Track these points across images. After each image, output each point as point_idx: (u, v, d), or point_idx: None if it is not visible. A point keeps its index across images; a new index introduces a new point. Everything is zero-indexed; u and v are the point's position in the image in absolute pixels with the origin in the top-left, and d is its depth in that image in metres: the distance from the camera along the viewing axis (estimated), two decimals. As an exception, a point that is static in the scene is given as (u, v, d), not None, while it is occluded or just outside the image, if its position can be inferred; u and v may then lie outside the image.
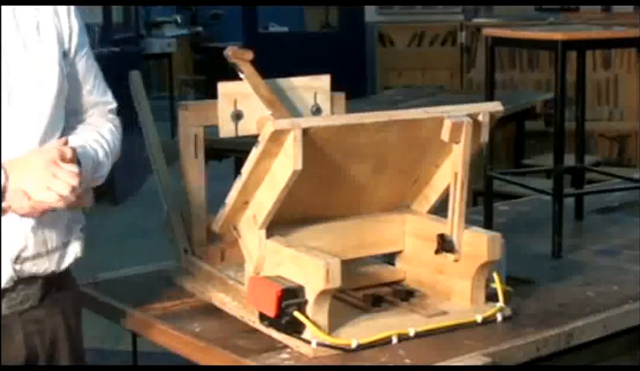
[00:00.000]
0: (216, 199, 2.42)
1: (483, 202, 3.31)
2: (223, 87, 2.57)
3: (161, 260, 2.76)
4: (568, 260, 2.90)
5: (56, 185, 1.91)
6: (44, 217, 1.98)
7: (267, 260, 2.25)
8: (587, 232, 3.26)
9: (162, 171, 2.62)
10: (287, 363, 2.12)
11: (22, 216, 1.94)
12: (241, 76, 2.58)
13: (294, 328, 2.16)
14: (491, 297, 2.36)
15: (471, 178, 2.34)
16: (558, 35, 2.99)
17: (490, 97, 3.12)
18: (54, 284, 2.12)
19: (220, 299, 2.43)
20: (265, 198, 2.21)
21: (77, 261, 2.14)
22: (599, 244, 3.07)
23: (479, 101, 2.49)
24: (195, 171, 2.55)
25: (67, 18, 2.14)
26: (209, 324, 2.34)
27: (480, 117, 2.32)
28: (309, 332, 2.14)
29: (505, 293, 2.37)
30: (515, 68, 8.31)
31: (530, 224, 3.28)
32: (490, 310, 2.33)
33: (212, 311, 2.41)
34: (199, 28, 12.92)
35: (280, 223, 2.26)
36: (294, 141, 2.09)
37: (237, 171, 2.25)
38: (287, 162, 2.12)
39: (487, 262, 2.31)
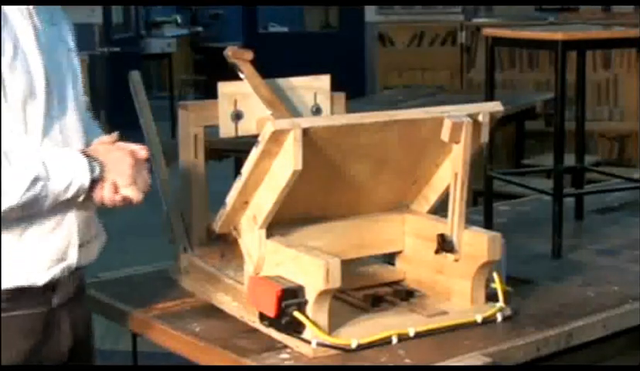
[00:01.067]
0: (216, 199, 2.42)
1: (483, 202, 3.31)
2: (223, 87, 2.57)
3: (161, 260, 2.76)
4: (568, 260, 2.90)
5: (141, 182, 2.07)
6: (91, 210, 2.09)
7: (267, 260, 2.25)
8: (587, 232, 3.26)
9: (162, 171, 2.62)
10: (287, 363, 2.12)
11: (104, 205, 2.06)
12: (241, 76, 2.58)
13: (294, 328, 2.16)
14: (491, 297, 2.36)
15: (471, 178, 2.34)
16: (558, 35, 2.99)
17: (490, 97, 3.12)
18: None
19: (220, 299, 2.43)
20: (265, 198, 2.21)
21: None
22: (599, 244, 3.07)
23: (479, 101, 2.49)
24: (195, 171, 2.55)
25: (66, 18, 2.20)
26: (209, 324, 2.34)
27: (480, 117, 2.32)
28: (309, 332, 2.14)
29: (505, 293, 2.37)
30: (515, 68, 8.31)
31: (530, 224, 3.28)
32: (490, 310, 2.33)
33: (212, 311, 2.41)
34: (199, 28, 12.93)
35: (280, 223, 2.26)
36: (294, 141, 2.09)
37: (237, 171, 2.25)
38: (287, 162, 2.12)
39: (487, 262, 2.31)
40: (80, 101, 2.13)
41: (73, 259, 2.07)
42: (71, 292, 2.13)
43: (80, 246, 2.08)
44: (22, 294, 2.02)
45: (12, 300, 2.01)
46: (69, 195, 1.98)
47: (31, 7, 2.02)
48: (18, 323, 2.03)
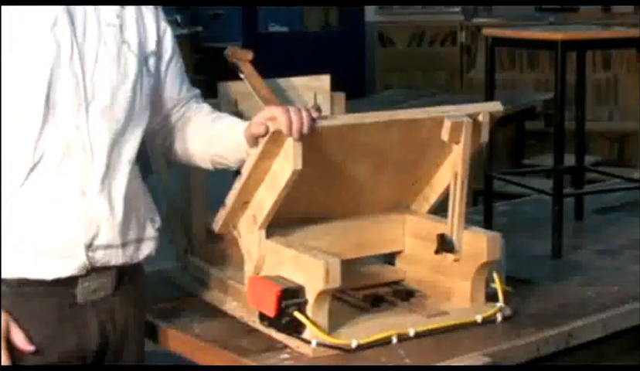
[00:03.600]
0: (216, 199, 2.42)
1: (483, 202, 3.31)
2: (223, 87, 2.58)
3: (161, 260, 2.76)
4: (568, 260, 2.90)
5: None
6: (117, 211, 2.08)
7: (267, 260, 2.25)
8: (587, 232, 3.26)
9: (162, 171, 2.61)
10: (287, 363, 2.12)
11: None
12: (241, 76, 2.58)
13: (294, 328, 2.16)
14: (491, 297, 2.36)
15: (471, 178, 2.34)
16: (558, 35, 2.99)
17: (490, 97, 3.12)
18: (127, 275, 2.18)
19: (220, 299, 2.43)
20: (265, 198, 2.21)
21: (149, 258, 2.22)
22: (599, 244, 3.07)
23: (479, 101, 2.49)
24: (195, 171, 2.55)
25: (154, 20, 2.20)
26: (209, 324, 2.34)
27: (480, 117, 2.32)
28: (309, 332, 2.14)
29: (505, 293, 2.37)
30: (515, 68, 8.30)
31: (530, 224, 3.28)
32: (490, 310, 2.33)
33: (212, 311, 2.40)
34: (199, 28, 12.91)
35: (280, 223, 2.26)
36: (294, 141, 2.09)
37: (237, 171, 2.25)
38: (287, 162, 2.12)
39: (487, 262, 2.31)
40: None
41: (81, 259, 2.05)
42: (100, 291, 2.11)
43: (89, 246, 2.05)
44: (32, 285, 2.02)
45: (26, 285, 2.02)
46: None
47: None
48: (29, 309, 2.03)
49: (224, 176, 2.42)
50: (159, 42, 2.21)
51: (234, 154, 2.23)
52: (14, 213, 2.01)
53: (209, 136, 2.27)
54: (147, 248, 2.19)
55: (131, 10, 2.15)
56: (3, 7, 1.98)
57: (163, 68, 2.24)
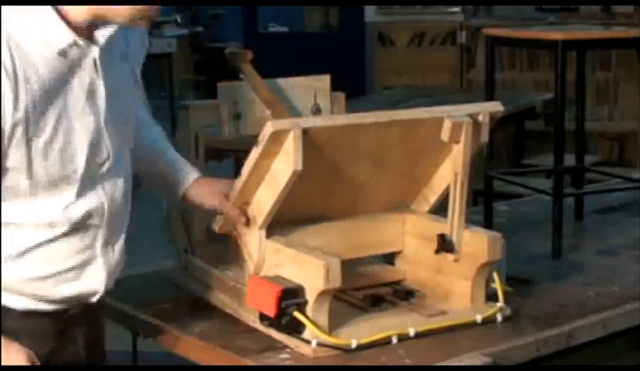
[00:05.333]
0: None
1: (483, 202, 3.30)
2: (223, 87, 2.57)
3: (161, 260, 2.76)
4: (568, 260, 2.90)
5: None
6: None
7: (267, 260, 2.25)
8: (587, 232, 3.26)
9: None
10: (287, 363, 2.12)
11: None
12: (241, 76, 2.58)
13: (294, 328, 2.16)
14: (491, 297, 2.36)
15: (471, 178, 2.34)
16: (558, 35, 2.99)
17: (490, 97, 3.12)
18: None
19: (220, 299, 2.43)
20: (265, 198, 2.21)
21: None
22: (599, 244, 3.07)
23: (479, 101, 2.49)
24: (195, 171, 2.54)
25: (141, 36, 2.16)
26: (209, 324, 2.34)
27: (480, 117, 2.32)
28: (309, 332, 2.14)
29: (505, 293, 2.37)
30: (515, 68, 8.30)
31: (530, 224, 3.28)
32: (490, 310, 2.33)
33: (212, 311, 2.41)
34: (199, 28, 12.91)
35: (280, 223, 2.26)
36: (294, 141, 2.09)
37: (237, 171, 2.25)
38: (287, 162, 2.12)
39: (487, 262, 2.31)
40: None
41: (64, 291, 2.01)
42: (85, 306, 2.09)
43: (68, 281, 2.00)
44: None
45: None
46: None
47: (96, 54, 1.93)
48: (30, 329, 2.00)
49: (224, 176, 2.42)
50: (140, 56, 2.19)
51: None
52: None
53: (155, 159, 2.34)
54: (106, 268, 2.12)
55: (132, 31, 2.09)
56: None
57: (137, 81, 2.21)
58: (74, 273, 1.99)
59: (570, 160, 3.28)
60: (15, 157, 1.86)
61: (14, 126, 1.83)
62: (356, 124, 2.21)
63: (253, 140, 2.17)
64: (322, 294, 2.13)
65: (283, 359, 2.14)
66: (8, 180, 1.88)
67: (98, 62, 1.93)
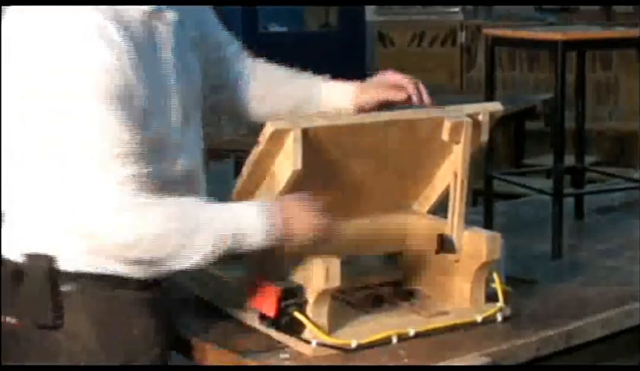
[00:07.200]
0: (215, 199, 2.41)
1: (483, 202, 3.31)
2: (223, 87, 2.57)
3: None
4: (568, 260, 2.90)
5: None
6: None
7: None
8: (587, 232, 3.26)
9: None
10: (287, 363, 2.12)
11: None
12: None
13: (294, 328, 2.16)
14: (491, 297, 2.36)
15: (470, 178, 2.34)
16: (558, 35, 2.99)
17: (490, 97, 3.12)
18: None
19: (221, 299, 2.42)
20: (265, 198, 2.20)
21: None
22: (599, 244, 3.07)
23: (479, 101, 2.49)
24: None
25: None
26: (209, 324, 2.33)
27: (480, 117, 2.32)
28: (309, 332, 2.14)
29: (505, 293, 2.37)
30: (515, 68, 8.30)
31: (530, 224, 3.28)
32: (490, 310, 2.33)
33: (212, 311, 2.40)
34: (199, 28, 12.90)
35: (280, 223, 2.25)
36: (294, 141, 2.09)
37: (237, 171, 2.24)
38: (287, 162, 2.12)
39: (487, 262, 2.31)
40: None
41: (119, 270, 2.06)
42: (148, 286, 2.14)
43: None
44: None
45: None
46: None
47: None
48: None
49: (224, 176, 2.42)
50: None
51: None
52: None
53: (297, 98, 2.39)
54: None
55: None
56: None
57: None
58: None
59: (570, 160, 3.28)
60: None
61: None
62: (356, 124, 2.21)
63: (253, 140, 2.16)
64: (322, 294, 2.13)
65: (283, 359, 2.14)
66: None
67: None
